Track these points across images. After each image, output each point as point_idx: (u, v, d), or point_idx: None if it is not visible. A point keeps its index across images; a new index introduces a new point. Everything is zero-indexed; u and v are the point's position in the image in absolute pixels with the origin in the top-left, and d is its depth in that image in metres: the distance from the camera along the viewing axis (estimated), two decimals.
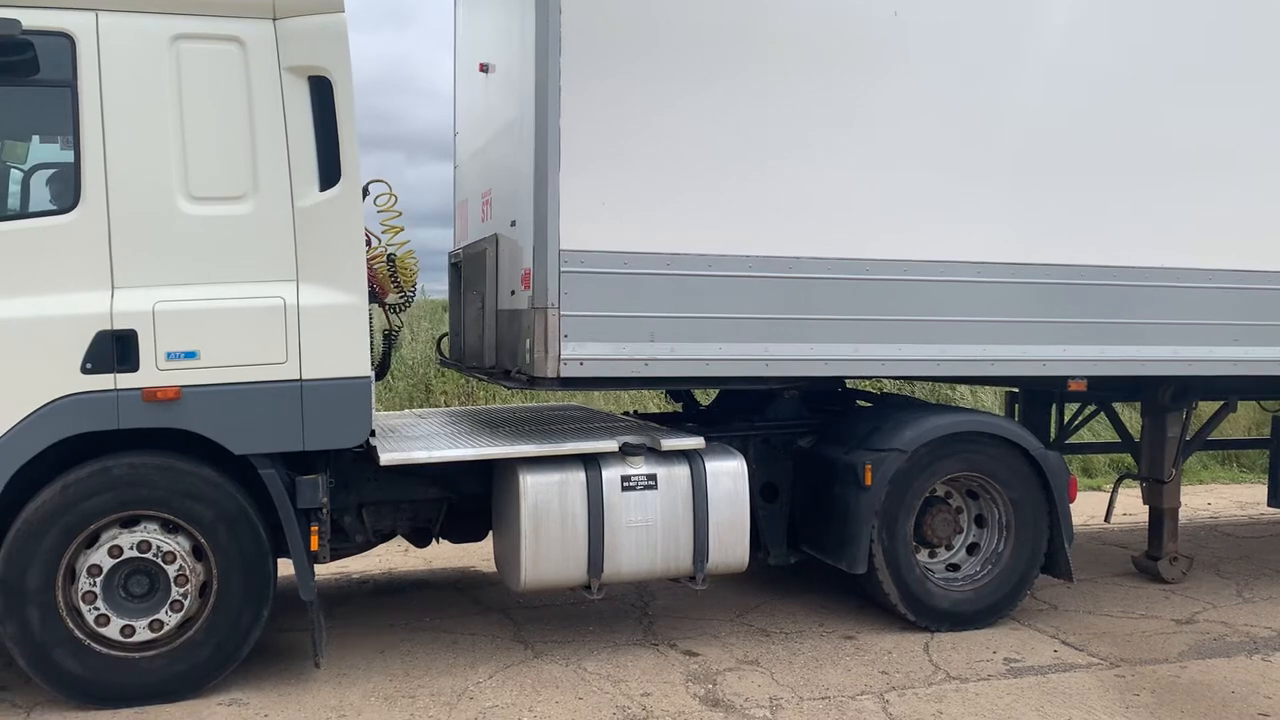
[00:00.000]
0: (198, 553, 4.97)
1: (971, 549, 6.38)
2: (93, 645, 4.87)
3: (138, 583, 4.91)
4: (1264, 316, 6.58)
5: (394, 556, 7.86)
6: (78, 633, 4.85)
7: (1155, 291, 6.36)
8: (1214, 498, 11.11)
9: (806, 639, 6.05)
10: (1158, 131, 6.28)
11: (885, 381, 10.53)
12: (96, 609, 4.85)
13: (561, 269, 5.40)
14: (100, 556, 4.83)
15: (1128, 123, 6.23)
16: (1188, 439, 7.41)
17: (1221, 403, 7.59)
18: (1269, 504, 7.48)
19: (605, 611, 6.47)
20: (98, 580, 4.83)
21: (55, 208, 4.83)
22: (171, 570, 4.91)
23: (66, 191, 4.79)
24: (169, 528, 4.94)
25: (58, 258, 4.74)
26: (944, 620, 6.15)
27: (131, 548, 4.86)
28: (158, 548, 4.88)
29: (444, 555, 7.77)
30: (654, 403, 9.63)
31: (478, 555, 7.49)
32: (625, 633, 6.13)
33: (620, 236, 5.51)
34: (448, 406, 11.36)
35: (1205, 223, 6.43)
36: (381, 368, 6.10)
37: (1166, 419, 7.21)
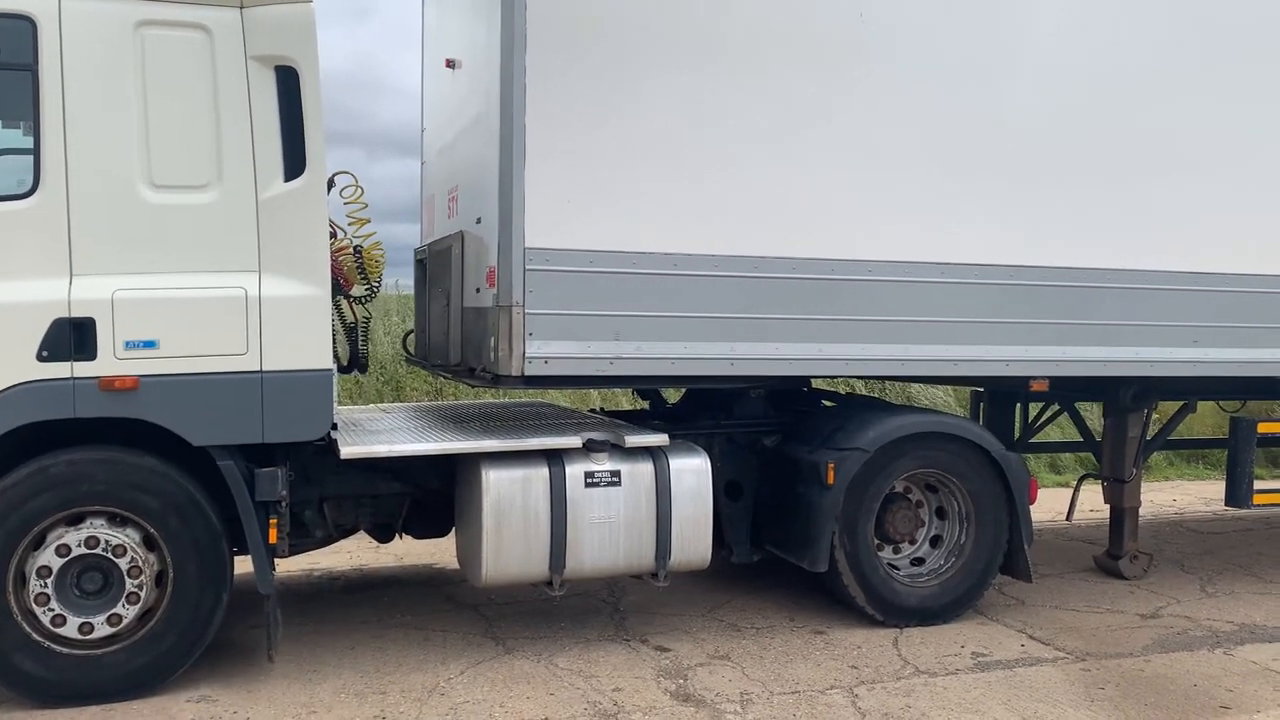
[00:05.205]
0: (149, 543, 4.90)
1: (935, 541, 6.42)
2: (52, 646, 4.79)
3: (91, 579, 4.83)
4: (1222, 318, 6.67)
5: (365, 553, 7.80)
6: (35, 635, 4.77)
7: (1116, 293, 6.43)
8: (1179, 494, 11.26)
9: (777, 634, 6.06)
10: (1121, 136, 6.36)
11: (855, 382, 10.62)
12: (51, 610, 4.77)
13: (526, 267, 5.39)
14: (48, 557, 4.75)
15: (1091, 127, 6.30)
16: (1148, 439, 7.49)
17: (1182, 403, 7.69)
18: (1227, 504, 7.56)
19: (577, 607, 6.45)
20: (49, 581, 4.75)
21: (13, 192, 4.73)
22: (124, 563, 4.83)
23: (25, 176, 4.71)
24: (117, 521, 4.86)
25: (15, 243, 4.67)
26: (911, 617, 6.17)
27: (79, 545, 4.78)
28: (106, 542, 4.81)
29: (415, 551, 7.73)
30: (625, 400, 9.63)
31: (449, 552, 7.39)
32: (597, 628, 6.11)
33: (586, 235, 5.51)
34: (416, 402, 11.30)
35: (1165, 225, 6.52)
36: (354, 360, 6.07)
37: (1128, 419, 7.29)
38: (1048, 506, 8.77)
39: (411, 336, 7.66)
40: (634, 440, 5.68)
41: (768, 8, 5.74)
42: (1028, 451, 8.32)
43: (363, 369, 6.18)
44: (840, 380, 9.73)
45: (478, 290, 5.87)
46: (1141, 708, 5.08)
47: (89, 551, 4.80)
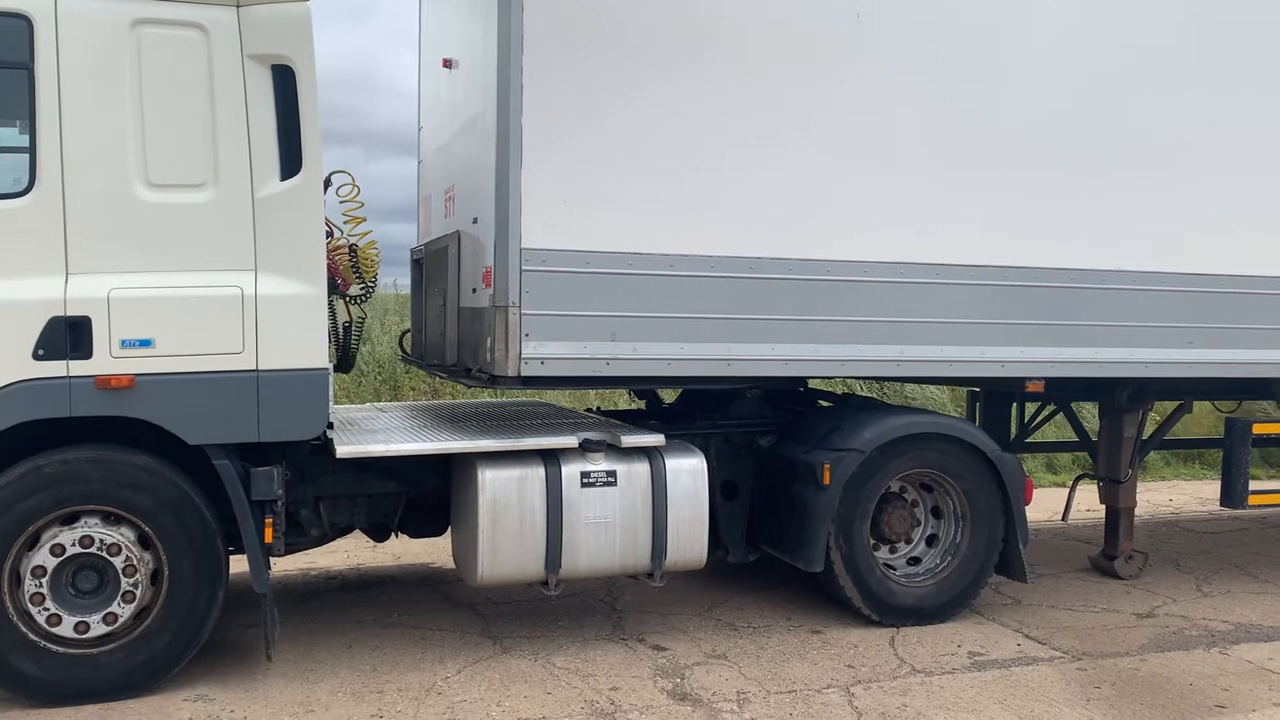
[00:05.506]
0: (144, 541, 4.90)
1: (931, 541, 6.43)
2: (48, 646, 4.79)
3: (86, 578, 4.83)
4: (1217, 319, 6.67)
5: (361, 552, 7.81)
6: (31, 635, 4.77)
7: (1111, 294, 6.43)
8: (1175, 494, 11.28)
9: (774, 633, 6.06)
10: (1115, 136, 6.36)
11: (852, 382, 10.62)
12: (46, 609, 4.77)
13: (523, 267, 5.39)
14: (43, 557, 4.75)
15: (1088, 128, 6.31)
16: (1144, 439, 7.50)
17: (1178, 404, 7.69)
18: (1222, 504, 7.57)
19: (574, 607, 6.45)
20: (44, 581, 4.75)
21: (9, 191, 4.73)
22: (118, 562, 4.83)
23: (21, 174, 4.71)
24: (111, 520, 4.86)
25: (11, 241, 4.67)
26: (908, 617, 6.17)
27: (74, 544, 4.78)
28: (101, 541, 4.80)
29: (413, 551, 7.75)
30: (623, 400, 9.64)
31: (446, 551, 7.41)
32: (594, 628, 6.11)
33: (582, 235, 5.51)
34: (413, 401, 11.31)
35: (1161, 226, 6.51)
36: (344, 360, 6.06)
37: (1123, 419, 7.30)
38: (1044, 506, 8.81)
39: (408, 336, 7.66)
40: (630, 440, 5.69)
41: (765, 8, 5.74)
42: (1024, 451, 8.33)
43: (347, 369, 6.18)
44: (837, 380, 9.74)
45: (474, 290, 5.87)
46: (1137, 707, 5.09)
47: (84, 551, 4.79)
